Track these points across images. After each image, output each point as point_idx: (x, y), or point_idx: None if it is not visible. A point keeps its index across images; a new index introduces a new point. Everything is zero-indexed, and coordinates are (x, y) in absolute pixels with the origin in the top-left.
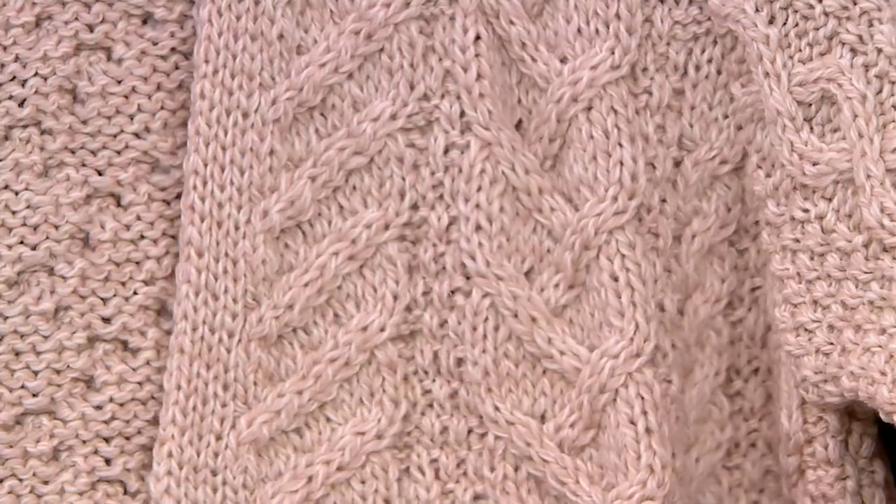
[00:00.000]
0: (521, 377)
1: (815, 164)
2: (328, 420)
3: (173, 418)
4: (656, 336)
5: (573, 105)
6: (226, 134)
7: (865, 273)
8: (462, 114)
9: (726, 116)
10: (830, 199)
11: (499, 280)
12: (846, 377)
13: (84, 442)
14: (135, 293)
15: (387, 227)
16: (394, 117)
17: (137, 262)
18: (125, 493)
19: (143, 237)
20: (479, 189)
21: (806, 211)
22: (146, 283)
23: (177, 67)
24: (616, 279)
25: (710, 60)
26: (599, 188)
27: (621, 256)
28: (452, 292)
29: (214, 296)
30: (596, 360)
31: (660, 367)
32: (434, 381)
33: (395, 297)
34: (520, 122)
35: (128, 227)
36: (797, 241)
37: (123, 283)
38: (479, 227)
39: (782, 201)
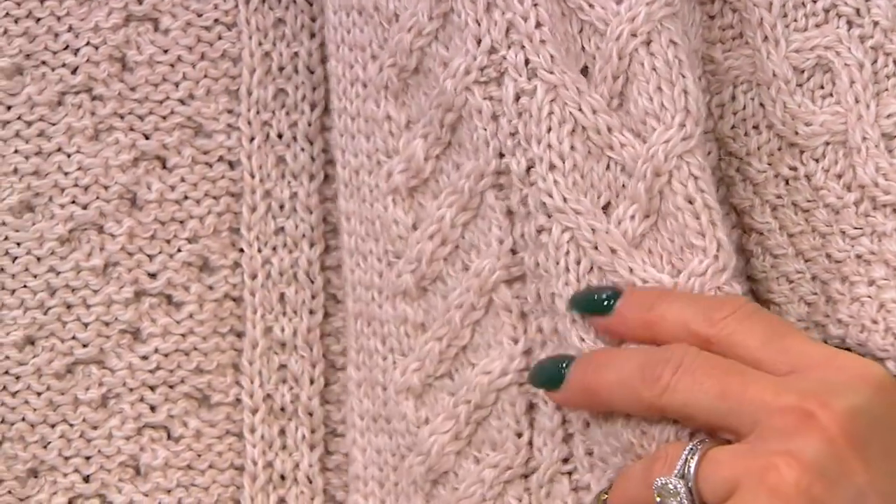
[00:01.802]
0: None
1: (807, 124)
2: (472, 364)
3: (351, 374)
4: (737, 253)
5: (633, 40)
6: (351, 104)
7: (855, 228)
8: (527, 61)
9: (700, 78)
10: (819, 160)
11: (577, 214)
12: (833, 325)
13: (131, 390)
14: (179, 250)
15: (482, 176)
16: (468, 72)
17: (181, 222)
18: (169, 437)
19: (186, 198)
20: (549, 130)
21: (794, 169)
22: (189, 240)
23: (220, 38)
24: (691, 202)
25: (691, 24)
26: (666, 116)
27: (694, 179)
28: (539, 232)
29: (364, 256)
30: (684, 282)
31: (742, 284)
32: (543, 316)
33: (501, 242)
34: (585, 68)
35: (172, 188)
36: (780, 196)
37: (168, 241)
38: (552, 167)
39: (765, 159)
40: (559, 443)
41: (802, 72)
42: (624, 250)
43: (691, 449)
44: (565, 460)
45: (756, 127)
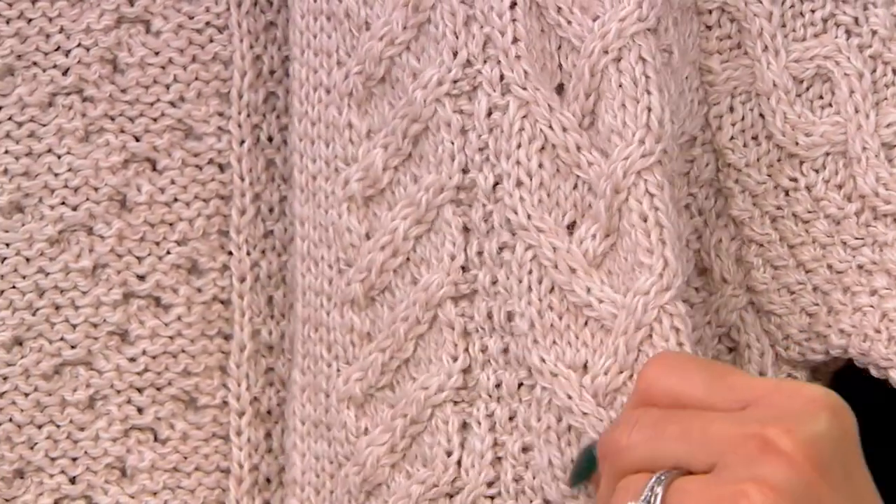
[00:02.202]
0: (564, 328)
1: (807, 135)
2: (412, 378)
3: (295, 378)
4: (685, 272)
5: (604, 57)
6: (313, 109)
7: (856, 239)
8: (502, 77)
9: (696, 89)
10: (819, 170)
11: (539, 232)
12: (835, 335)
13: (118, 392)
14: (168, 253)
15: (442, 190)
16: (440, 83)
17: (171, 224)
18: (156, 440)
19: (176, 200)
20: (519, 146)
21: (794, 180)
22: (179, 243)
23: (211, 40)
24: (645, 219)
25: (689, 35)
26: (628, 133)
27: (650, 196)
28: (501, 249)
29: (315, 262)
30: (629, 301)
31: (690, 305)
32: (490, 336)
33: (452, 258)
34: (561, 85)
35: (162, 191)
36: (780, 208)
37: (157, 243)
38: (519, 183)
39: (764, 170)
40: (487, 465)
41: (802, 82)
42: (583, 270)
43: (658, 478)
44: (490, 484)
45: (755, 138)
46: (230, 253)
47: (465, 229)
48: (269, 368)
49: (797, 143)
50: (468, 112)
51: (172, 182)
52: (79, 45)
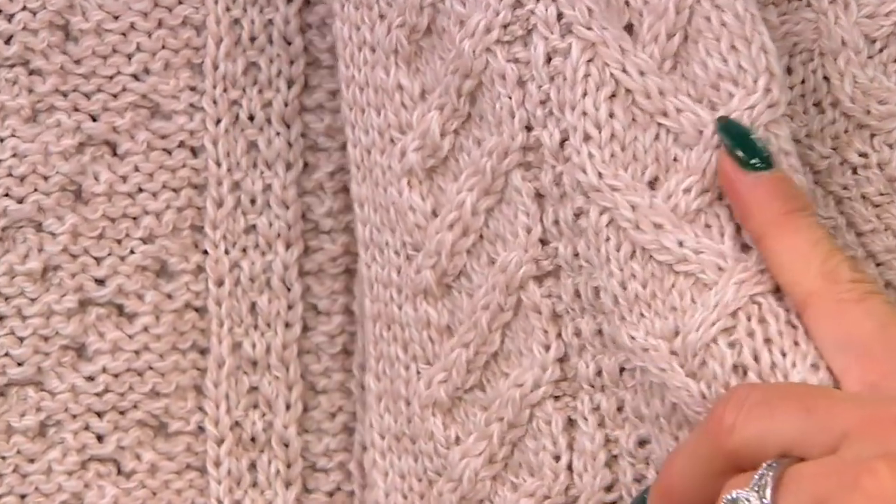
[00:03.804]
0: (650, 297)
1: (881, 103)
2: (504, 374)
3: (370, 385)
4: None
5: None
6: (359, 72)
7: None
8: (560, 15)
9: None
10: (893, 145)
11: (614, 192)
12: None
13: (74, 416)
14: (131, 252)
15: (506, 153)
16: (489, 30)
17: (134, 218)
18: (119, 472)
19: (141, 190)
20: (585, 94)
21: (864, 155)
22: (144, 240)
23: (180, 2)
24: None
25: None
26: (746, 79)
27: (785, 155)
28: (577, 215)
29: (380, 249)
30: (753, 261)
31: None
32: (582, 317)
33: (529, 231)
34: (630, 26)
35: (124, 179)
36: (847, 188)
37: (119, 241)
38: (587, 137)
39: (829, 143)
40: (602, 467)
41: (875, 41)
42: (672, 224)
43: (770, 464)
44: (608, 488)
45: (818, 104)
46: (205, 252)
47: (538, 196)
48: (253, 387)
49: (869, 113)
50: (524, 60)
51: (136, 169)
52: (23, 7)
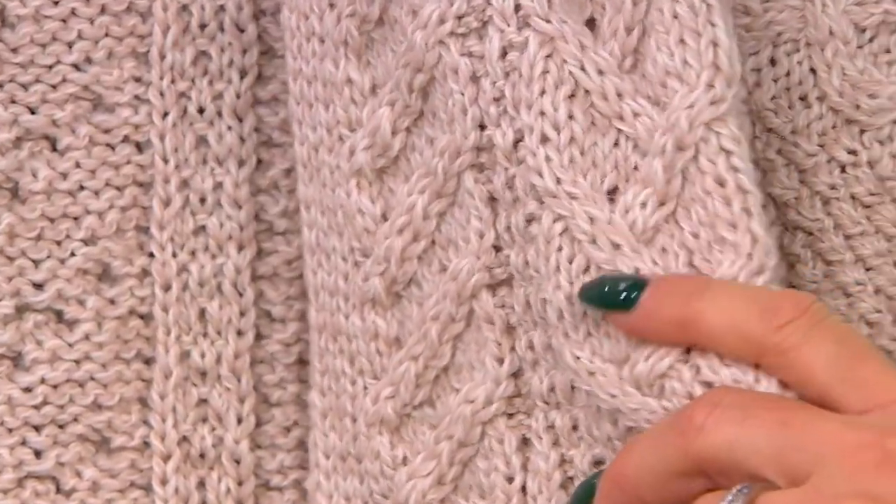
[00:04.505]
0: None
1: (871, 97)
2: (455, 390)
3: (315, 402)
4: (776, 250)
5: None
6: (307, 64)
7: None
8: (517, 7)
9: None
10: (885, 142)
11: (572, 199)
12: None
13: (10, 430)
14: (72, 254)
15: (459, 153)
16: (442, 21)
17: (76, 218)
18: (58, 491)
19: (82, 188)
20: (543, 93)
21: (853, 153)
22: (86, 242)
23: None
24: (723, 183)
25: None
26: (690, 75)
27: (725, 154)
28: (528, 221)
29: (326, 255)
30: None
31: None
32: (535, 329)
33: (481, 236)
34: (592, 20)
35: (64, 176)
36: (835, 187)
37: (59, 243)
38: (544, 139)
39: (816, 140)
40: (557, 489)
41: (864, 30)
42: (629, 245)
43: (740, 490)
44: None
45: (804, 98)
46: (151, 254)
47: (492, 199)
48: (202, 400)
49: (858, 107)
50: (478, 54)
51: (77, 165)
52: None
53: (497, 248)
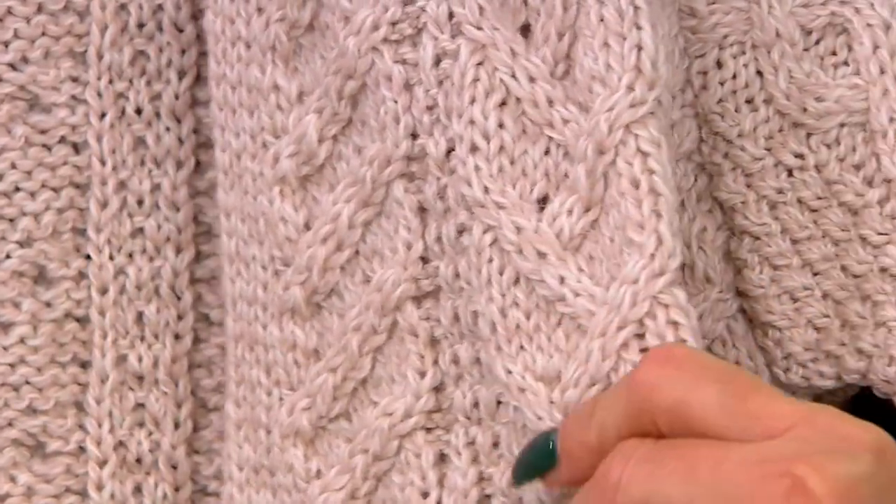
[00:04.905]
0: (533, 329)
1: (818, 100)
2: (373, 403)
3: (229, 412)
4: (683, 253)
5: None
6: (231, 69)
7: (880, 234)
8: (451, 14)
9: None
10: (832, 146)
11: (500, 209)
12: (850, 356)
13: None
14: (7, 257)
15: (389, 162)
16: (376, 27)
17: (11, 220)
18: None
19: (17, 189)
20: (473, 101)
21: (800, 157)
22: (21, 244)
23: None
24: (637, 185)
25: None
26: (612, 78)
27: (642, 156)
28: (459, 232)
29: (246, 264)
30: (613, 295)
31: (688, 292)
32: (461, 343)
33: (409, 247)
34: (528, 26)
35: (0, 177)
36: (781, 191)
37: None
38: (474, 148)
39: (762, 143)
40: None
41: (811, 32)
42: (555, 254)
43: None
44: None
45: (750, 101)
46: (88, 257)
47: (421, 209)
48: (139, 404)
49: (805, 111)
50: (412, 61)
51: (13, 166)
52: None
53: (424, 260)
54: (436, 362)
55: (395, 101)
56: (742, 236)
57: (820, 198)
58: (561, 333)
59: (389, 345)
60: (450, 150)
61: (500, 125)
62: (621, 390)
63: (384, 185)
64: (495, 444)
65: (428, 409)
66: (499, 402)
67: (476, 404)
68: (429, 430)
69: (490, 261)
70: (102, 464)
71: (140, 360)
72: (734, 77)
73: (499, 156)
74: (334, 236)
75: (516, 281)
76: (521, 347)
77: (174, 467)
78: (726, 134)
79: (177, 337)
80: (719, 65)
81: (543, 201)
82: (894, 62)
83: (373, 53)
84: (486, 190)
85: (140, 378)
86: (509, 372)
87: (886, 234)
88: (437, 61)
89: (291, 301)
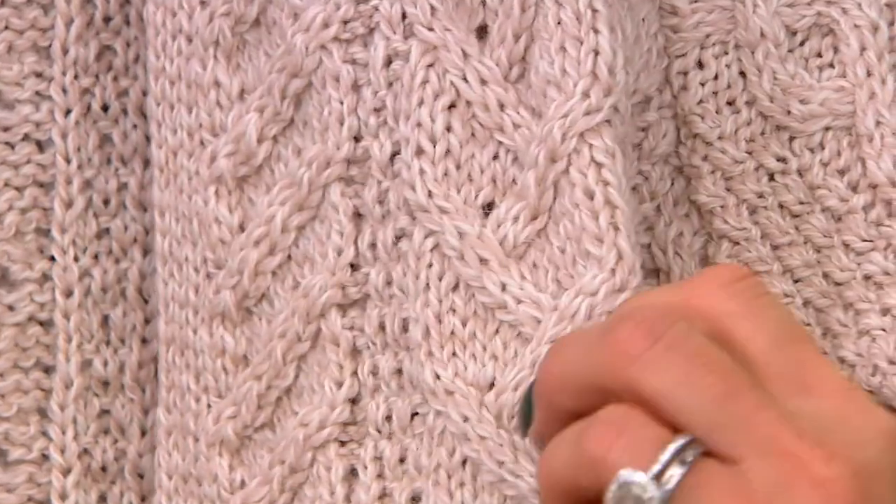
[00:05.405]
0: (468, 338)
1: (803, 102)
2: (294, 412)
3: (160, 418)
4: (642, 268)
5: None
6: (171, 63)
7: (864, 241)
8: (404, 14)
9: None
10: (816, 149)
11: (443, 214)
12: None
13: None
14: None
15: (328, 164)
16: (326, 25)
17: None
18: None
19: None
20: (421, 103)
21: (782, 160)
22: None
23: None
24: (591, 196)
25: None
26: (567, 84)
27: (596, 167)
28: (398, 238)
29: (178, 265)
30: (566, 303)
31: None
32: (383, 353)
33: (339, 253)
34: (485, 28)
35: None
36: (762, 195)
37: None
38: (420, 151)
39: (743, 146)
40: None
41: (796, 33)
42: (497, 261)
43: (676, 451)
44: None
45: (732, 103)
46: (52, 258)
47: (357, 215)
48: (105, 411)
49: (789, 113)
50: (362, 62)
51: None
52: None
53: (354, 267)
54: (354, 373)
55: (341, 102)
56: (720, 241)
57: (802, 202)
58: (498, 342)
59: (312, 353)
60: (395, 154)
61: (448, 128)
62: (595, 339)
63: (321, 189)
64: (402, 460)
65: (342, 420)
66: (414, 414)
67: (389, 417)
68: (342, 443)
69: (430, 266)
70: (66, 472)
71: (105, 364)
72: (716, 77)
73: (444, 159)
74: (267, 239)
75: (455, 287)
76: (454, 354)
77: (140, 476)
78: (706, 136)
79: (143, 341)
80: (700, 65)
81: (489, 207)
82: (882, 64)
83: (321, 52)
84: (430, 194)
85: (105, 384)
86: (438, 377)
87: (871, 241)
88: (388, 62)
89: (222, 305)
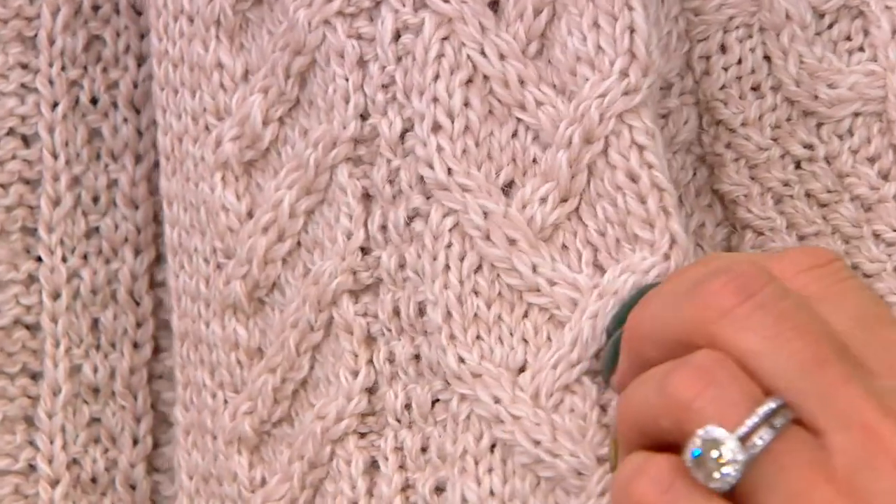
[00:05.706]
0: (494, 320)
1: (831, 87)
2: (311, 405)
3: (178, 417)
4: (695, 253)
5: None
6: (174, 46)
7: (895, 231)
8: None
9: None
10: (845, 136)
11: (465, 192)
12: None
13: None
14: None
15: (334, 144)
16: None
17: None
18: None
19: None
20: (437, 78)
21: (809, 147)
22: None
23: None
24: (635, 179)
25: None
26: (603, 62)
27: (638, 149)
28: (411, 218)
29: (189, 256)
30: (609, 280)
31: None
32: (399, 339)
33: (349, 237)
34: (498, 1)
35: None
36: (788, 184)
37: None
38: (437, 127)
39: (769, 133)
40: None
41: (824, 16)
42: (527, 241)
43: (765, 415)
44: None
45: (757, 88)
46: (39, 259)
47: (366, 196)
48: (95, 419)
49: (816, 98)
50: (368, 36)
51: None
52: None
53: (364, 250)
54: (370, 361)
55: (346, 79)
56: (744, 231)
57: (830, 191)
58: (529, 325)
59: (326, 343)
60: (405, 131)
61: (466, 103)
62: (683, 291)
63: (328, 170)
64: (423, 449)
65: (360, 411)
66: (435, 401)
67: (408, 405)
68: (362, 434)
69: (449, 246)
70: (54, 483)
71: (95, 370)
72: (739, 62)
73: (463, 136)
74: (275, 226)
75: (478, 268)
76: (478, 337)
77: (132, 487)
78: (730, 122)
79: (135, 346)
80: (724, 49)
81: (509, 186)
82: None
83: (324, 27)
84: (450, 171)
85: (95, 390)
86: (462, 360)
87: None
88: (397, 36)
89: (233, 296)
